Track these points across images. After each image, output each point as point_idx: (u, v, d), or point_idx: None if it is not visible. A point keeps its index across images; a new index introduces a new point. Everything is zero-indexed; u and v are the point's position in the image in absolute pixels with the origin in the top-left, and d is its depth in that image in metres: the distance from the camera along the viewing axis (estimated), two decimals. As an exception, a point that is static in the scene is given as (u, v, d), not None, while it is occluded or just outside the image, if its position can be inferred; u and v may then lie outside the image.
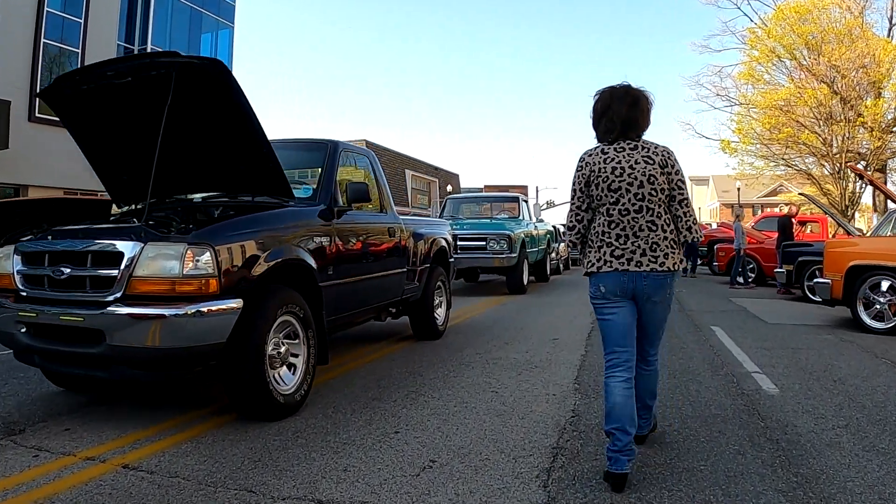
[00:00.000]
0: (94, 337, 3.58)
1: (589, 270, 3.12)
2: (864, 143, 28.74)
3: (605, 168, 3.04)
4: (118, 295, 3.57)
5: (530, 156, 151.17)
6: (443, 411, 4.25)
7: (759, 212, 63.23)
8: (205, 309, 3.55)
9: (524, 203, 14.28)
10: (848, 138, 28.79)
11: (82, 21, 24.40)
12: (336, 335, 6.00)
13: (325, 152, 5.41)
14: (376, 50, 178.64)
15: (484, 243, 12.04)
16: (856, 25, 28.14)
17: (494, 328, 8.01)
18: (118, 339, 3.52)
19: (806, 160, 32.49)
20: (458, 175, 52.23)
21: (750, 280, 15.06)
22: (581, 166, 3.13)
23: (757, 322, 8.57)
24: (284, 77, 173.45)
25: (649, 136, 3.18)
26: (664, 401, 4.34)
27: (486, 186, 49.62)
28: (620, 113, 3.06)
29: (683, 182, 3.10)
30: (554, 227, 20.11)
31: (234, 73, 4.79)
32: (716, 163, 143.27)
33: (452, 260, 8.11)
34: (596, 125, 3.17)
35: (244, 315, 3.74)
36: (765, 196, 59.61)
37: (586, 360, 6.06)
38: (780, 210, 25.00)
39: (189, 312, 3.50)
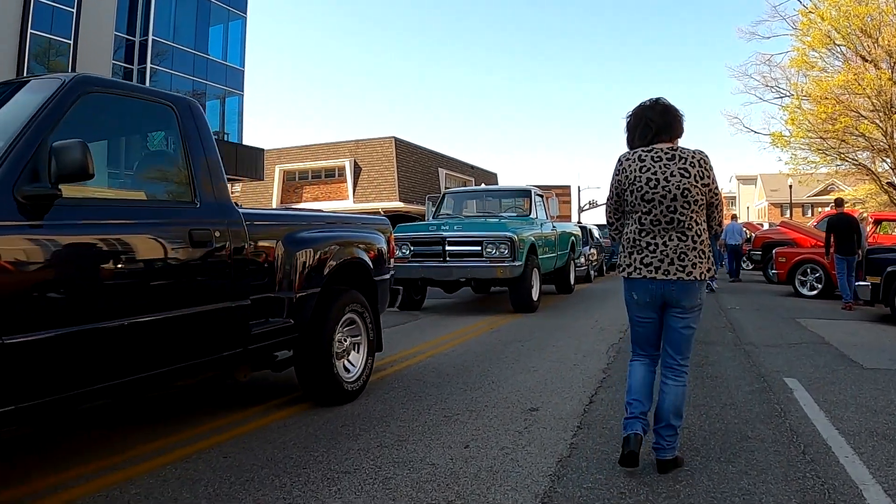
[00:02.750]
0: None
1: (621, 274, 3.24)
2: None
3: (640, 177, 3.10)
4: None
5: (573, 155, 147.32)
6: None
7: (810, 211, 59.28)
8: None
9: (538, 199, 11.61)
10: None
11: (74, 11, 22.53)
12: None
13: (39, 93, 2.96)
14: (410, 44, 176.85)
15: (479, 248, 9.48)
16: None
17: (451, 381, 5.43)
18: None
19: (860, 155, 29.36)
20: (496, 174, 49.49)
21: (816, 291, 12.25)
22: (618, 170, 3.21)
23: (849, 367, 5.82)
24: (304, 70, 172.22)
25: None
26: None
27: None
28: (655, 118, 3.19)
29: (717, 193, 3.19)
30: (582, 227, 17.40)
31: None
32: (764, 160, 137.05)
33: (389, 276, 5.59)
34: (631, 136, 3.28)
35: None
36: (815, 195, 56.02)
37: (569, 465, 3.43)
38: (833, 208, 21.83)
39: None
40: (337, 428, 4.11)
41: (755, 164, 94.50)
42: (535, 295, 10.01)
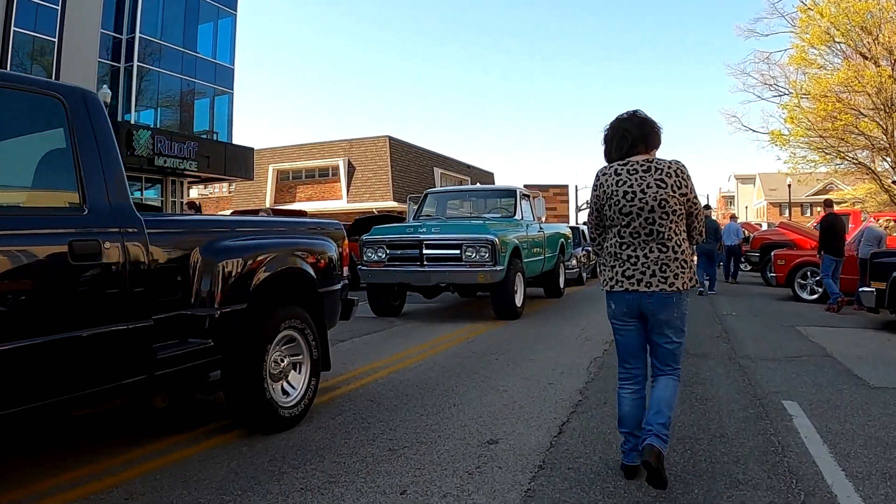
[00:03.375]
0: None
1: (603, 288, 3.22)
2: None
3: (617, 192, 3.08)
4: None
5: (570, 155, 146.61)
6: None
7: (809, 211, 58.49)
8: None
9: (524, 199, 10.99)
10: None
11: (59, 8, 21.92)
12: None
13: None
14: (407, 43, 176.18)
15: (459, 252, 8.86)
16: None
17: (408, 404, 4.82)
18: None
19: (860, 154, 28.79)
20: (492, 174, 48.80)
21: (816, 296, 11.63)
22: (596, 185, 3.21)
23: (855, 385, 5.19)
24: (299, 69, 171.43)
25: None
26: None
27: (524, 187, 46.11)
28: (631, 130, 3.17)
29: (696, 201, 3.15)
30: (574, 228, 16.80)
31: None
32: (763, 159, 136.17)
33: (340, 287, 4.99)
34: (608, 148, 3.25)
35: None
36: (814, 194, 55.43)
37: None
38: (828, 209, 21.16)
39: None
40: (263, 463, 3.52)
41: (754, 164, 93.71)
42: (518, 301, 9.38)
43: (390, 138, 35.61)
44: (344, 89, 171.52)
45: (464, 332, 8.28)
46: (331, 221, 5.50)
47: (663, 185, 3.03)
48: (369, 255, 9.51)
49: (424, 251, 8.99)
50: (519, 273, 9.43)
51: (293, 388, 4.37)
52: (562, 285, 12.60)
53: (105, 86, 20.13)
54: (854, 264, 10.71)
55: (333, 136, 38.94)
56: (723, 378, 5.46)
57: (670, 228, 3.05)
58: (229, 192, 42.01)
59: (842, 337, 7.65)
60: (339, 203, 35.17)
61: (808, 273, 11.90)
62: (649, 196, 3.02)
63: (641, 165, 3.10)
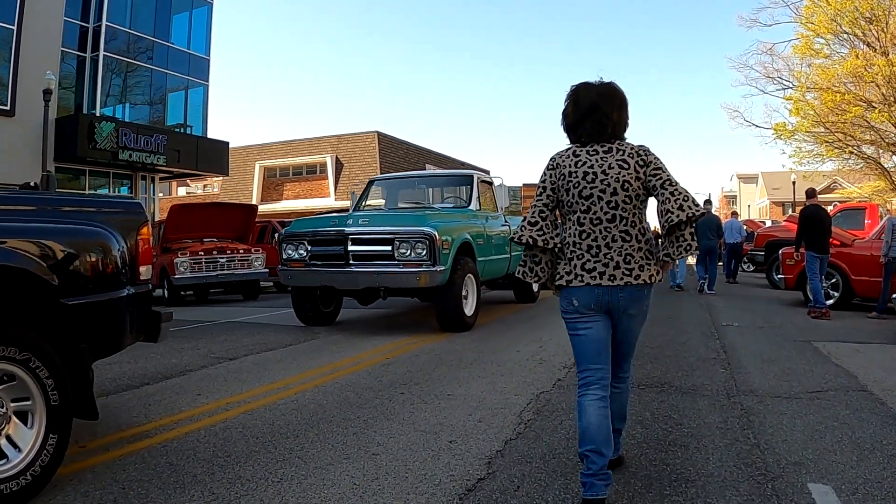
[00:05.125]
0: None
1: (558, 283, 2.72)
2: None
3: (576, 172, 2.66)
4: None
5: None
6: None
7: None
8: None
9: (482, 186, 9.08)
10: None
11: (18, -7, 20.23)
12: None
13: None
14: (405, 42, 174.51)
15: (390, 248, 7.00)
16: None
17: (233, 466, 2.99)
18: None
19: (866, 150, 26.96)
20: (488, 171, 46.80)
21: (832, 301, 9.72)
22: (552, 166, 2.75)
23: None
24: (295, 68, 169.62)
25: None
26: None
27: (524, 186, 43.93)
28: (610, 115, 2.67)
29: (659, 168, 2.62)
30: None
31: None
32: (765, 158, 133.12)
33: (121, 296, 3.17)
34: (576, 124, 2.71)
35: None
36: (818, 193, 53.32)
37: None
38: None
39: None
40: None
41: (756, 163, 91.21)
42: (469, 309, 7.51)
43: (379, 133, 33.73)
44: (342, 89, 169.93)
45: (392, 347, 6.43)
46: (121, 200, 3.67)
47: (625, 166, 2.63)
48: (289, 252, 7.67)
49: (350, 247, 7.13)
50: (470, 275, 7.55)
51: (16, 448, 2.67)
52: (535, 288, 10.71)
53: (49, 71, 18.31)
54: (872, 263, 8.93)
55: (322, 132, 36.85)
56: (717, 433, 3.57)
57: (634, 214, 2.65)
58: (220, 190, 40.28)
59: (874, 358, 5.75)
60: (328, 201, 33.31)
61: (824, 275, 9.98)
62: (611, 177, 2.62)
63: (602, 147, 2.69)
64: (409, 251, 6.88)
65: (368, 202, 9.37)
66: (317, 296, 7.94)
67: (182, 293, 13.41)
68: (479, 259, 7.95)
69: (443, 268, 6.91)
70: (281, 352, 6.43)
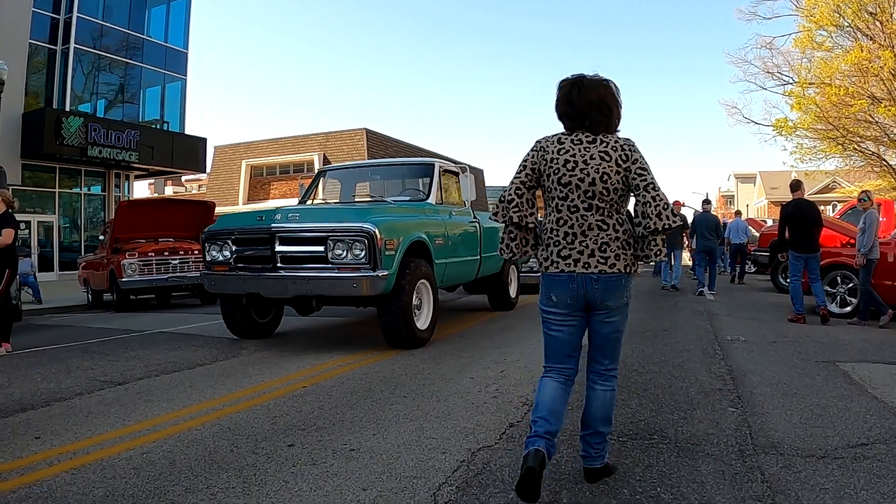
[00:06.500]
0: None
1: (539, 269, 2.74)
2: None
3: (557, 159, 2.65)
4: None
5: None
6: None
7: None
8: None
9: (445, 176, 7.77)
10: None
11: (-20, -19, 18.97)
12: None
13: None
14: (401, 42, 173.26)
15: (323, 248, 5.71)
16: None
17: None
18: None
19: (868, 147, 25.81)
20: (482, 170, 45.43)
21: (849, 308, 8.46)
22: (536, 148, 2.74)
23: None
24: (291, 67, 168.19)
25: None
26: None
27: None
28: (612, 109, 2.68)
29: (644, 169, 2.61)
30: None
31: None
32: (763, 158, 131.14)
33: None
34: (579, 115, 2.66)
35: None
36: (818, 192, 52.19)
37: None
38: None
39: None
40: None
41: (754, 163, 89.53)
42: (422, 321, 6.21)
43: (367, 130, 32.40)
44: (338, 88, 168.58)
45: (320, 370, 5.14)
46: None
47: (607, 159, 2.59)
48: (213, 254, 6.39)
49: (277, 248, 5.83)
50: (424, 280, 6.25)
51: None
52: (513, 294, 9.40)
53: (2, 62, 17.00)
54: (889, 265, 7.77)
55: (309, 130, 35.57)
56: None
57: (611, 205, 2.60)
58: (207, 189, 38.98)
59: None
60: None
61: (839, 278, 8.70)
62: (591, 167, 2.59)
63: (587, 136, 2.65)
64: (344, 252, 5.59)
65: (325, 198, 8.08)
66: (248, 304, 6.64)
67: (133, 297, 12.09)
68: (438, 261, 6.65)
69: (386, 272, 5.61)
70: (182, 375, 5.14)
